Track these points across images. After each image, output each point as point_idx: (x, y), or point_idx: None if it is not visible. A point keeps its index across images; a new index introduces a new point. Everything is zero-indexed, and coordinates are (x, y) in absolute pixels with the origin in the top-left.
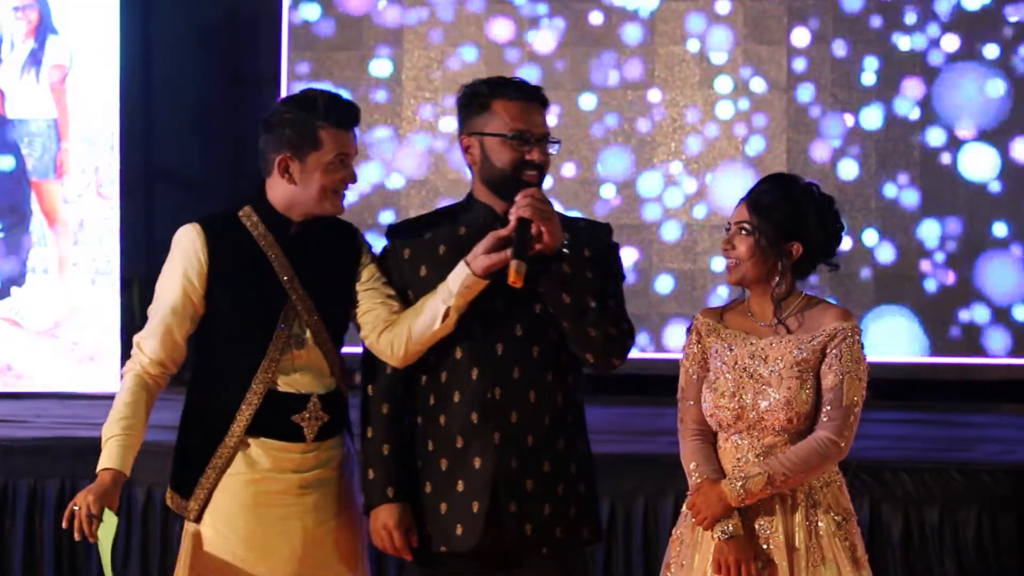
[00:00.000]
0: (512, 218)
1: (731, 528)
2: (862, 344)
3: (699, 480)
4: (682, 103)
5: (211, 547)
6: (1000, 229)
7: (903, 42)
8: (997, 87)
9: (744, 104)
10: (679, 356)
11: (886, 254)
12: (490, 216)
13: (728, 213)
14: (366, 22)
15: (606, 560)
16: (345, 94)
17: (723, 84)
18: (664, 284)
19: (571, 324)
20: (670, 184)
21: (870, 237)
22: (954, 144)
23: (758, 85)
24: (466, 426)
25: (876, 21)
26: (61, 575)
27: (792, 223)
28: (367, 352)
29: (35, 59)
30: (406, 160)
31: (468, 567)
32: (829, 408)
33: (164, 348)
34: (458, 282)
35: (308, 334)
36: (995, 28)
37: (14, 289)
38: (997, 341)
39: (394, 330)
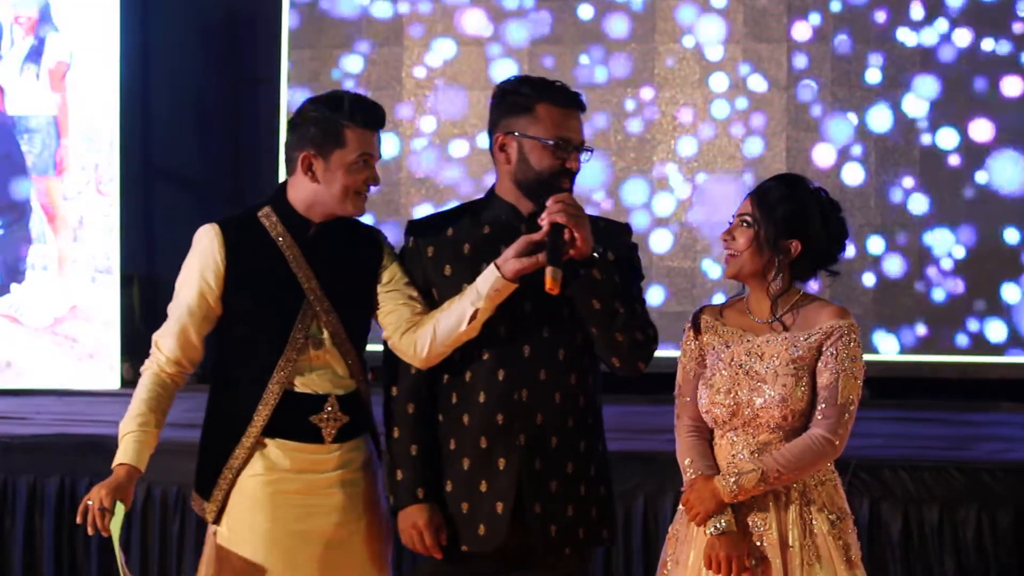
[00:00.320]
0: (545, 223)
1: (723, 524)
2: (859, 342)
3: (693, 476)
4: (681, 101)
5: (232, 547)
6: (1012, 235)
7: (909, 38)
8: (1012, 86)
9: (742, 103)
10: (677, 353)
11: (889, 259)
12: (513, 216)
13: (722, 218)
14: (365, 22)
15: (606, 559)
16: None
17: (719, 82)
18: (655, 296)
19: (600, 330)
20: (660, 189)
21: (875, 244)
22: (964, 146)
23: (757, 83)
24: (491, 426)
25: (880, 16)
26: (61, 571)
27: (794, 221)
28: (389, 352)
29: (35, 55)
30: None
31: (488, 567)
32: (824, 406)
33: (181, 347)
34: (487, 285)
35: (326, 335)
36: (1006, 23)
37: (14, 286)
38: (997, 339)
39: (418, 331)
